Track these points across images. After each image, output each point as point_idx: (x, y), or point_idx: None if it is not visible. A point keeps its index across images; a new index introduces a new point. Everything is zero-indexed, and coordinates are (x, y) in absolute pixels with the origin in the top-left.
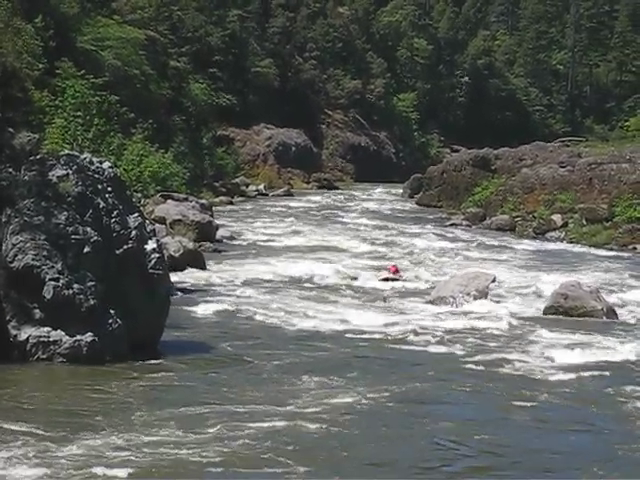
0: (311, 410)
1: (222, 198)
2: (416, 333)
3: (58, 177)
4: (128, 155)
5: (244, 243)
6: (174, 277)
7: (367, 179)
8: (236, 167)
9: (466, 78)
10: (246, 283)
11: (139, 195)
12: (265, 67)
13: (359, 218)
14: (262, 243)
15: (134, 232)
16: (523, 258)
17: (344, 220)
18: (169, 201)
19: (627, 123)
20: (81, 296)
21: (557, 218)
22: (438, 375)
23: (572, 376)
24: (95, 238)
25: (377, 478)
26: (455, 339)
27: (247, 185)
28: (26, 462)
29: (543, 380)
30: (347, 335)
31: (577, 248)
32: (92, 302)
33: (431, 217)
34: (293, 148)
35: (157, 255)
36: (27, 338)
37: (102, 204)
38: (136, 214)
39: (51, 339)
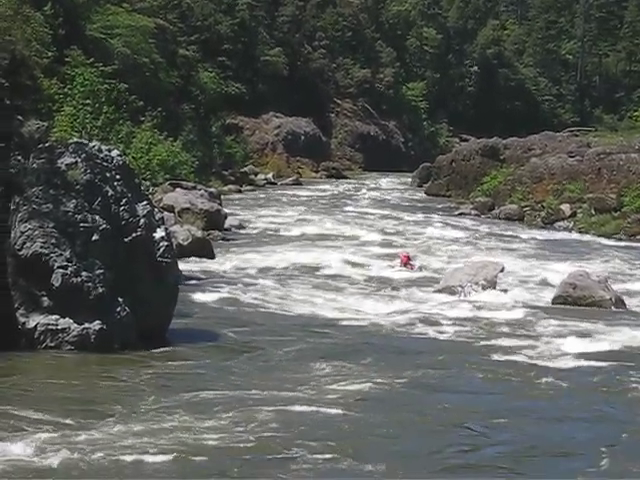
0: (325, 396)
1: (231, 187)
2: (424, 322)
3: (67, 165)
4: (137, 143)
5: (253, 232)
6: (182, 265)
7: (376, 168)
8: (245, 156)
9: (475, 67)
10: (254, 272)
11: (148, 183)
12: (274, 56)
13: (368, 207)
14: (271, 232)
15: (143, 220)
16: (531, 248)
17: (353, 209)
18: (178, 189)
19: (636, 113)
20: (89, 284)
21: (566, 208)
22: (447, 363)
23: (581, 365)
24: (104, 226)
25: (399, 464)
26: (463, 328)
27: (256, 174)
28: (51, 449)
29: (551, 368)
30: (356, 323)
31: (585, 238)
32: (100, 290)
33: (440, 206)
34: (302, 137)
35: (166, 243)
36: (35, 326)
37: (111, 192)
38: (145, 202)
39: (59, 327)
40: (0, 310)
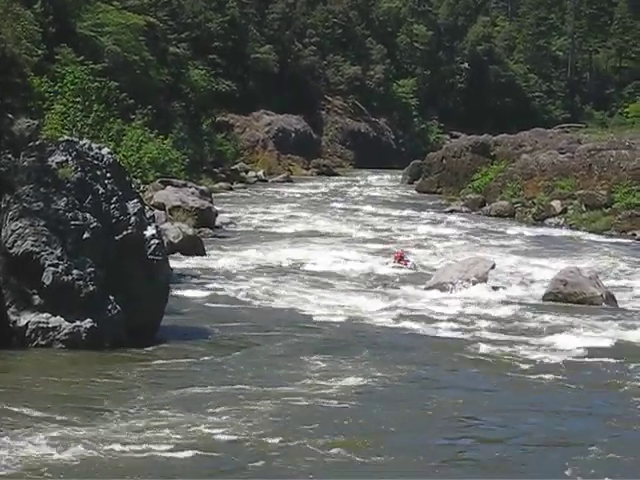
0: (319, 391)
1: (221, 184)
2: (416, 318)
3: (57, 163)
4: (127, 141)
5: (243, 229)
6: (173, 263)
7: (367, 165)
8: (235, 153)
9: (466, 64)
10: (245, 269)
11: (138, 181)
12: (265, 53)
13: (358, 204)
14: (261, 229)
15: (133, 218)
16: (522, 244)
17: (343, 206)
18: (168, 187)
19: (626, 109)
20: (80, 282)
21: (556, 204)
22: (439, 359)
23: (570, 361)
24: (94, 224)
25: (400, 457)
26: (454, 324)
27: (246, 171)
28: (59, 445)
29: (541, 364)
30: (348, 320)
31: (576, 234)
32: (91, 288)
33: (430, 203)
34: (293, 134)
35: (156, 241)
36: (26, 324)
37: (101, 190)
38: (135, 200)
39: (50, 325)
40: None
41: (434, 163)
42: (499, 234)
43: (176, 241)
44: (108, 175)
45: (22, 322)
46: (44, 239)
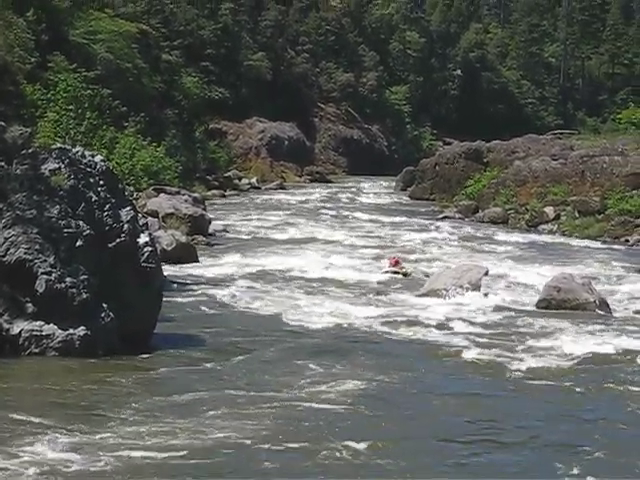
0: (313, 396)
1: (214, 191)
2: (408, 325)
3: (50, 171)
4: (120, 149)
5: (237, 236)
6: (167, 271)
7: (360, 172)
8: (229, 160)
9: (458, 71)
10: (239, 276)
11: (131, 189)
12: (257, 60)
13: (352, 211)
14: (255, 236)
15: (126, 226)
16: (516, 251)
17: (337, 213)
18: (161, 195)
19: (619, 115)
20: (74, 290)
21: (549, 211)
22: (432, 365)
23: (563, 367)
24: (87, 232)
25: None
26: (447, 331)
27: (240, 178)
28: (55, 451)
29: (533, 370)
30: (340, 326)
31: (569, 240)
32: (85, 296)
33: (424, 210)
34: (286, 141)
35: (150, 249)
36: (20, 332)
37: (94, 198)
38: (128, 208)
39: (44, 333)
40: None
41: (427, 170)
42: (492, 241)
43: (169, 248)
44: (101, 183)
45: (15, 330)
46: (37, 247)
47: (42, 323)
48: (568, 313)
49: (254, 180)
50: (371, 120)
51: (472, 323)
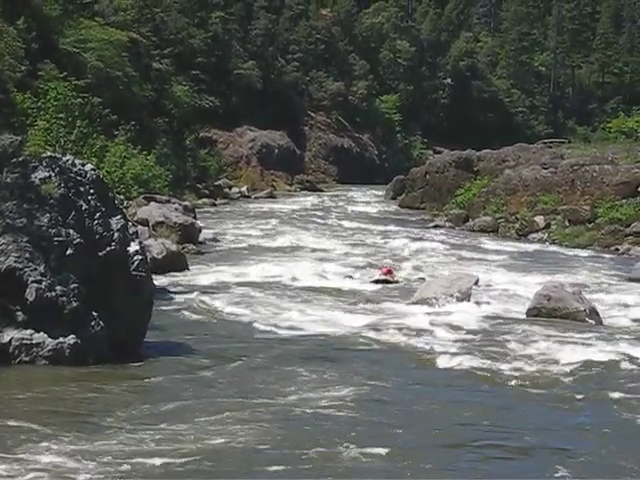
0: (301, 402)
1: (205, 200)
2: (398, 333)
3: (40, 179)
4: (110, 157)
5: (227, 245)
6: (157, 279)
7: (350, 181)
8: (219, 169)
9: (449, 80)
10: (229, 285)
11: (122, 197)
12: (248, 69)
13: (342, 220)
14: (245, 245)
15: (117, 234)
16: (506, 259)
17: (327, 222)
18: (152, 203)
19: (609, 124)
20: (64, 298)
21: (540, 219)
22: (422, 373)
23: (552, 375)
24: (78, 240)
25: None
26: (437, 340)
27: (230, 187)
28: (51, 458)
29: (523, 378)
30: (330, 335)
31: (560, 249)
32: (75, 304)
33: (414, 219)
34: (276, 150)
35: (140, 257)
36: (9, 340)
37: (85, 206)
38: (119, 216)
39: (34, 341)
40: None
41: (417, 178)
42: (482, 249)
43: (160, 257)
44: (91, 191)
45: (5, 338)
46: (27, 255)
47: (32, 331)
48: (558, 322)
49: (244, 189)
50: (361, 129)
51: (462, 331)
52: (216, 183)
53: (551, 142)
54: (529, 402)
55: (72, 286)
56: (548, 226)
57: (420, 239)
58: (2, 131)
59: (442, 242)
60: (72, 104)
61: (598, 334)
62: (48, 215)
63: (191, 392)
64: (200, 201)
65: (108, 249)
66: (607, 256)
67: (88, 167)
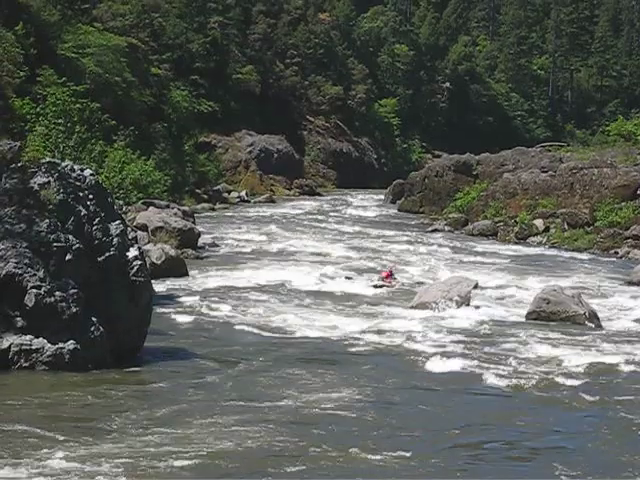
0: (310, 404)
1: (204, 205)
2: (398, 337)
3: (39, 185)
4: (110, 162)
5: (226, 250)
6: (156, 284)
7: (349, 185)
8: (218, 174)
9: (447, 84)
10: (228, 289)
11: (121, 202)
12: (246, 73)
13: (341, 224)
14: (244, 250)
15: (116, 239)
16: (505, 263)
17: (326, 226)
18: (151, 208)
19: (608, 128)
20: (63, 304)
21: (539, 223)
22: (421, 375)
23: (552, 378)
24: (77, 245)
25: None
26: (436, 343)
27: (229, 192)
28: (55, 462)
29: (522, 381)
30: (331, 338)
31: (559, 253)
32: (74, 310)
33: (413, 223)
34: (275, 155)
35: (139, 262)
36: (9, 346)
37: (84, 211)
38: (118, 221)
39: (33, 347)
40: None
41: (416, 182)
42: (482, 253)
43: (159, 262)
44: (90, 197)
45: (5, 344)
46: (26, 261)
47: (31, 337)
48: (557, 325)
49: (243, 193)
50: (360, 133)
51: (461, 335)
52: (215, 188)
53: (550, 146)
54: (529, 404)
55: (71, 291)
56: (547, 230)
57: (419, 243)
58: (1, 137)
59: (441, 246)
60: (71, 109)
61: (598, 337)
62: (47, 221)
63: (193, 396)
64: (199, 206)
65: (107, 254)
66: (606, 259)
67: (87, 172)
